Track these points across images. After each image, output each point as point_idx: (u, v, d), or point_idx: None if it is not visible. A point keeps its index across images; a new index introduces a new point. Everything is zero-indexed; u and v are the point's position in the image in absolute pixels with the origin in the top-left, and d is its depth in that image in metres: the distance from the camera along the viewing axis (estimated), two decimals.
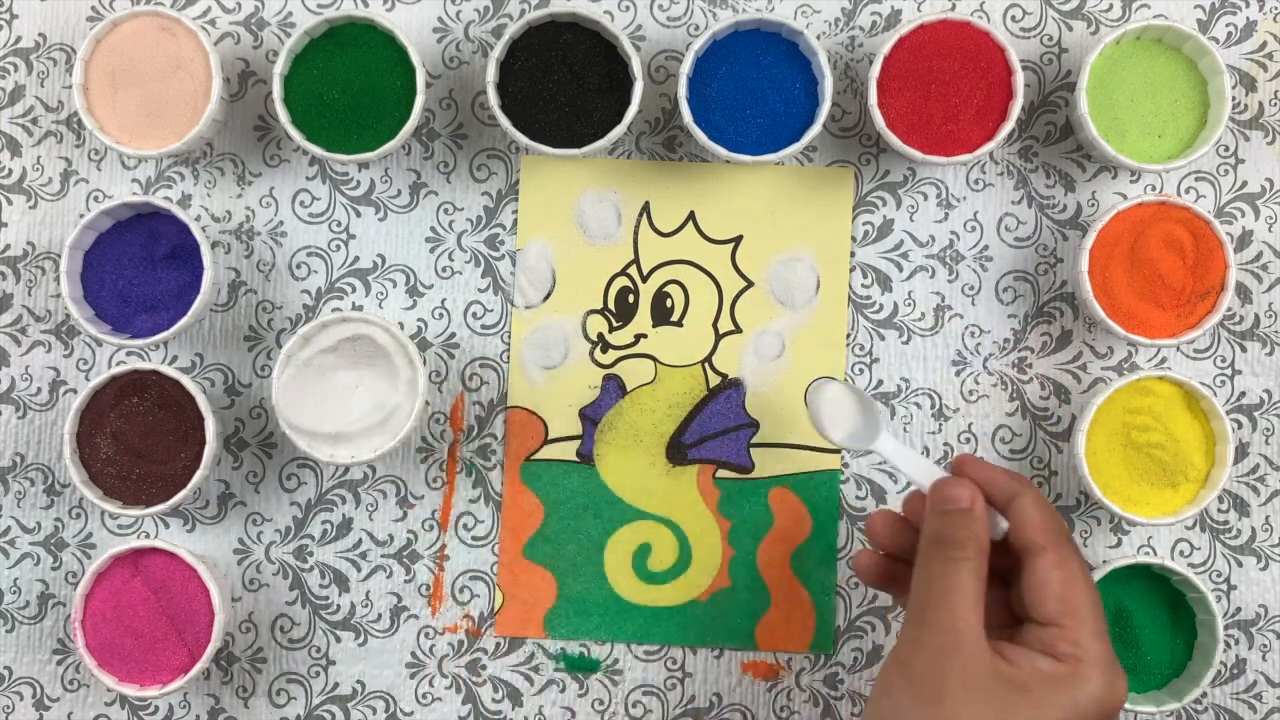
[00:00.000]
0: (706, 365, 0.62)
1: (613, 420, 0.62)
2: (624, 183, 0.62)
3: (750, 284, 0.62)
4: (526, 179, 0.61)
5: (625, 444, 0.63)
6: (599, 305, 0.62)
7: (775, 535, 0.63)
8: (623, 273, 0.62)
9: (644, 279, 0.62)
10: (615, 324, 0.62)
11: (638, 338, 0.62)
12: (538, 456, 0.62)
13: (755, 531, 0.63)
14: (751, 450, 0.63)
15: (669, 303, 0.62)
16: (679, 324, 0.62)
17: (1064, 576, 0.47)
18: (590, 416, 0.62)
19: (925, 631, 0.46)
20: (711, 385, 0.63)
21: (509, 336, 0.64)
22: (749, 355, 0.62)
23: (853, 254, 0.65)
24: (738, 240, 0.63)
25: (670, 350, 0.63)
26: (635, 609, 0.63)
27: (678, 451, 0.63)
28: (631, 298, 0.62)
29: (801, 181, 0.62)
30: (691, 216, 0.62)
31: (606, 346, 0.62)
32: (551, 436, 0.62)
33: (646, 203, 0.62)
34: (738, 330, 0.62)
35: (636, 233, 0.62)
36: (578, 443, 0.63)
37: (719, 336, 0.62)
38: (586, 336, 0.62)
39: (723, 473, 0.63)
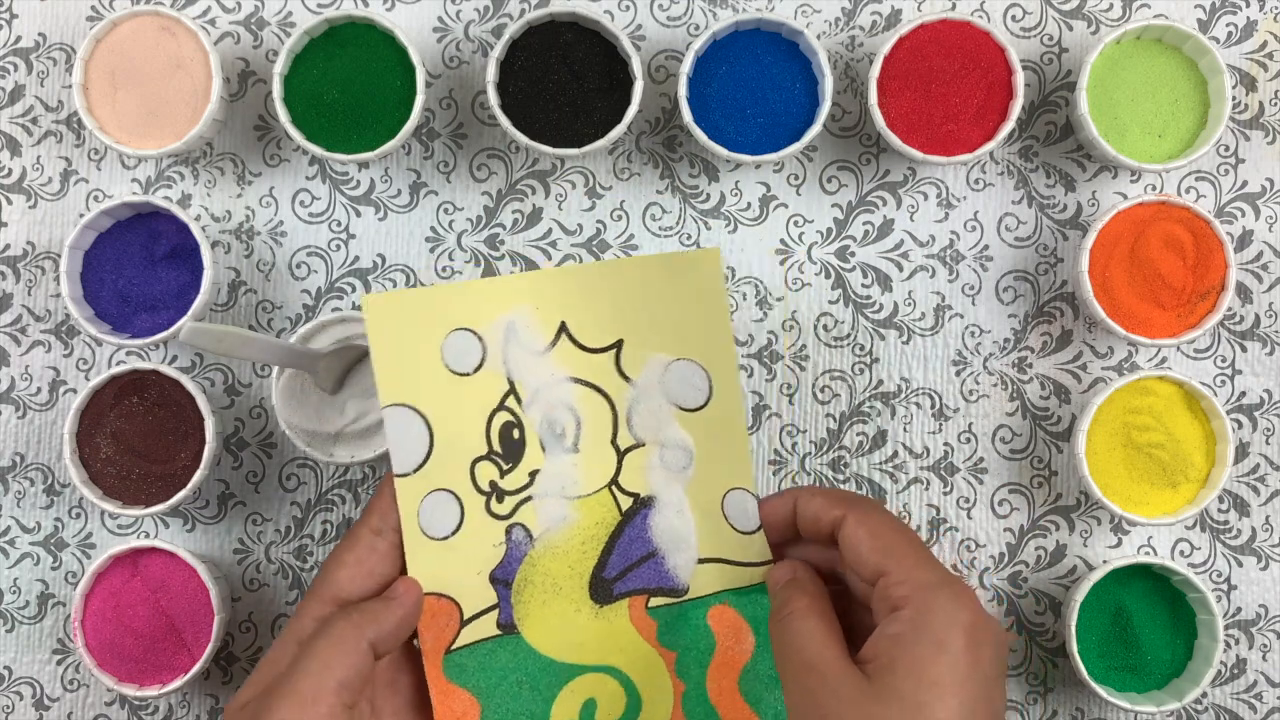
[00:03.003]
0: (614, 488, 0.54)
1: (526, 575, 0.53)
2: (482, 305, 0.53)
3: (628, 379, 0.54)
4: (375, 324, 0.50)
5: (546, 598, 0.53)
6: (484, 450, 0.52)
7: (720, 659, 0.54)
8: (500, 407, 0.53)
9: (525, 408, 0.53)
10: (505, 466, 0.53)
11: (533, 475, 0.53)
12: (458, 645, 0.52)
13: (701, 659, 0.54)
14: (681, 570, 0.55)
15: (559, 429, 0.53)
16: (575, 450, 0.54)
17: (870, 528, 0.46)
18: (502, 579, 0.53)
19: (792, 684, 0.45)
20: (624, 509, 0.54)
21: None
22: (657, 469, 0.54)
23: (853, 253, 0.65)
24: (618, 346, 0.54)
25: (572, 481, 0.54)
26: None
27: (602, 589, 0.54)
28: (516, 433, 0.53)
29: (670, 272, 0.54)
30: (563, 329, 0.54)
31: (501, 494, 0.53)
32: (467, 616, 0.52)
33: (510, 322, 0.53)
34: (639, 444, 0.54)
35: (506, 358, 0.53)
36: (496, 612, 0.53)
37: (621, 454, 0.54)
38: (478, 489, 0.52)
39: (655, 600, 0.54)
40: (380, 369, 0.50)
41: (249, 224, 0.66)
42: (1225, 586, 0.64)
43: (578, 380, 0.54)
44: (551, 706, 0.53)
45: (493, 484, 0.52)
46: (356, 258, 0.65)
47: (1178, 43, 0.62)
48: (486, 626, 0.53)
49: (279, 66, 0.61)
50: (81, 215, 0.64)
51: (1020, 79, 0.61)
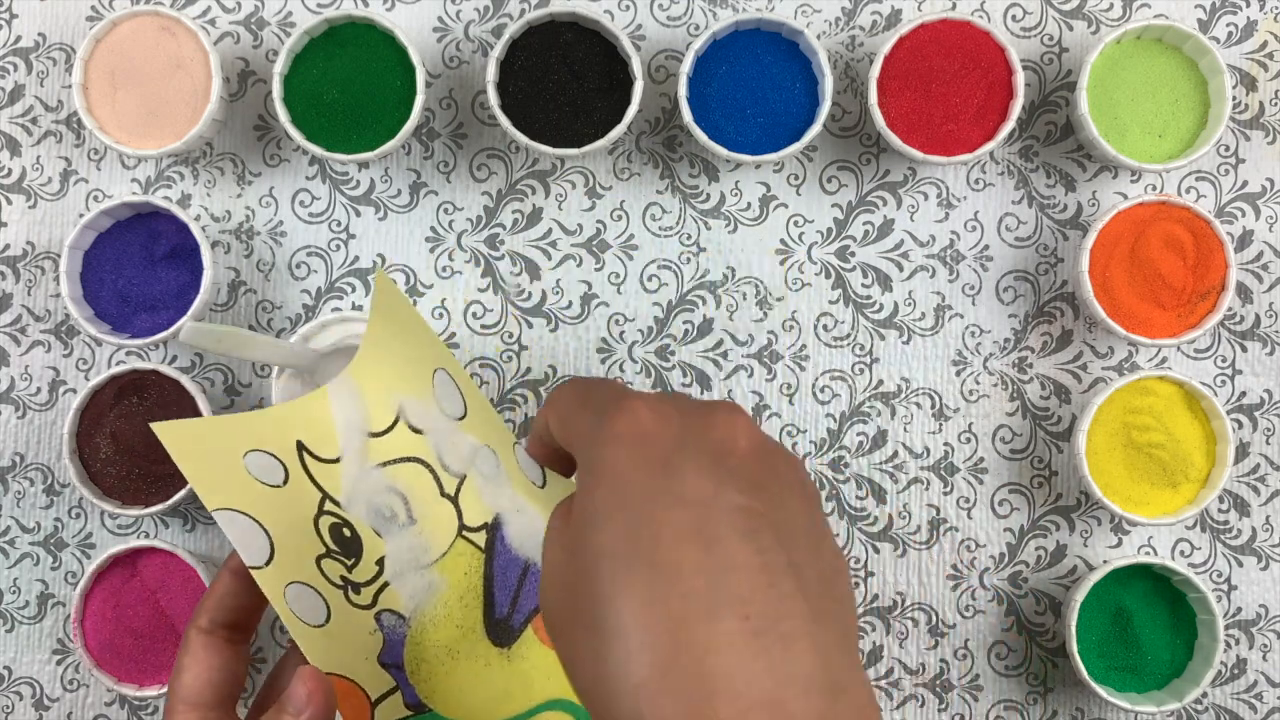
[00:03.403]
0: (464, 534, 0.52)
1: (416, 655, 0.50)
2: (266, 433, 0.49)
3: (420, 431, 0.52)
4: (177, 452, 0.46)
5: (446, 667, 0.50)
6: (322, 549, 0.49)
7: None
8: (321, 512, 0.50)
9: (346, 508, 0.50)
10: (349, 562, 0.49)
11: (380, 563, 0.50)
12: None
13: None
14: None
15: (388, 513, 0.51)
16: (412, 521, 0.51)
17: (556, 416, 0.39)
18: (392, 663, 0.50)
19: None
20: (483, 544, 0.51)
21: (509, 338, 0.64)
22: (483, 488, 0.52)
23: (853, 253, 0.65)
24: (400, 411, 0.52)
25: (423, 550, 0.51)
26: None
27: (501, 631, 0.51)
28: (347, 531, 0.50)
29: (378, 321, 0.51)
30: (350, 427, 0.51)
31: (357, 587, 0.49)
32: (375, 698, 0.49)
33: (298, 441, 0.50)
34: (462, 478, 0.51)
35: (307, 471, 0.50)
36: (399, 694, 0.50)
37: (454, 499, 0.51)
38: (332, 583, 0.49)
39: None
40: (194, 482, 0.46)
41: (249, 224, 0.66)
42: (1225, 586, 0.64)
43: (385, 463, 0.51)
44: None
45: (344, 579, 0.49)
46: (356, 258, 0.65)
47: (1178, 43, 0.62)
48: (395, 707, 0.49)
49: (279, 66, 0.61)
50: (81, 215, 0.64)
51: (1020, 79, 0.61)
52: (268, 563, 0.46)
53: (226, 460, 0.48)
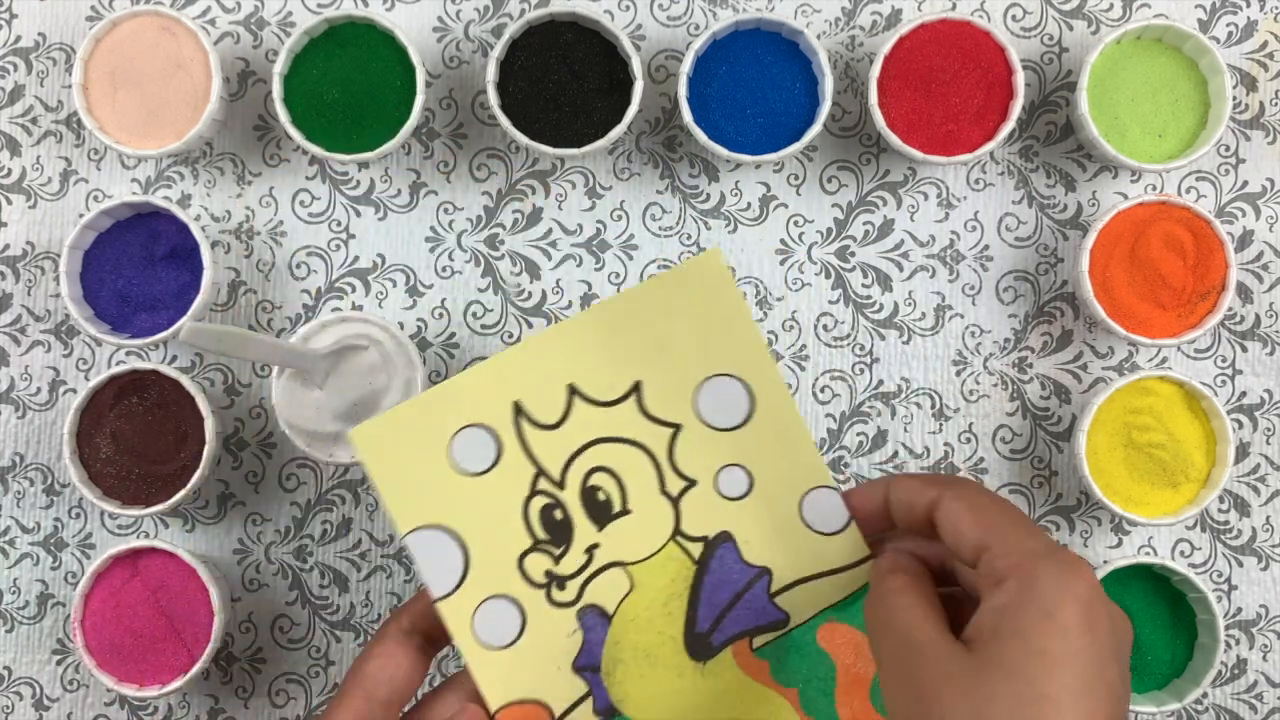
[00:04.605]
0: (679, 539, 0.51)
1: (614, 655, 0.50)
2: (479, 399, 0.49)
3: (678, 427, 0.50)
4: (370, 457, 0.47)
5: (642, 671, 0.50)
6: (528, 543, 0.49)
7: (844, 680, 0.51)
8: (534, 493, 0.49)
9: (560, 485, 0.50)
10: (557, 551, 0.49)
11: (590, 551, 0.50)
12: None
13: (824, 687, 0.50)
14: (776, 600, 0.51)
15: (601, 496, 0.50)
16: (626, 512, 0.50)
17: (967, 503, 0.41)
18: (588, 666, 0.50)
19: (887, 665, 0.41)
20: (697, 556, 0.50)
21: (509, 338, 0.64)
22: (719, 504, 0.50)
23: (853, 253, 0.65)
24: (636, 389, 0.50)
25: (632, 545, 0.50)
26: None
27: (700, 645, 0.51)
28: (559, 513, 0.50)
29: (667, 289, 0.50)
30: (573, 391, 0.50)
31: (561, 582, 0.50)
32: (559, 714, 0.49)
33: (516, 403, 0.49)
34: (692, 484, 0.50)
35: (523, 441, 0.50)
36: (590, 701, 0.50)
37: (676, 501, 0.50)
38: (534, 583, 0.49)
39: (759, 639, 0.51)
40: (389, 497, 0.46)
41: (249, 224, 0.66)
42: (1226, 587, 0.64)
43: (606, 440, 0.50)
44: None
45: (549, 573, 0.49)
46: (356, 258, 0.65)
47: (1178, 43, 0.62)
48: (584, 718, 0.49)
49: (279, 66, 0.61)
50: (81, 215, 0.64)
51: (1020, 79, 0.61)
52: (458, 586, 0.47)
53: (429, 454, 0.48)
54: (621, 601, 0.50)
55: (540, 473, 0.49)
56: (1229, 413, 0.64)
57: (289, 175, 0.66)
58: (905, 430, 0.65)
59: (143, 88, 0.62)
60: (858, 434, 0.64)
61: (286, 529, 0.65)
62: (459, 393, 0.48)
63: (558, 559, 0.49)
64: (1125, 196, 0.65)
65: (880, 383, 0.65)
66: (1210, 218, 0.61)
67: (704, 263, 0.49)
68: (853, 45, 0.65)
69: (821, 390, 0.65)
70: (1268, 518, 0.64)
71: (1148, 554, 0.64)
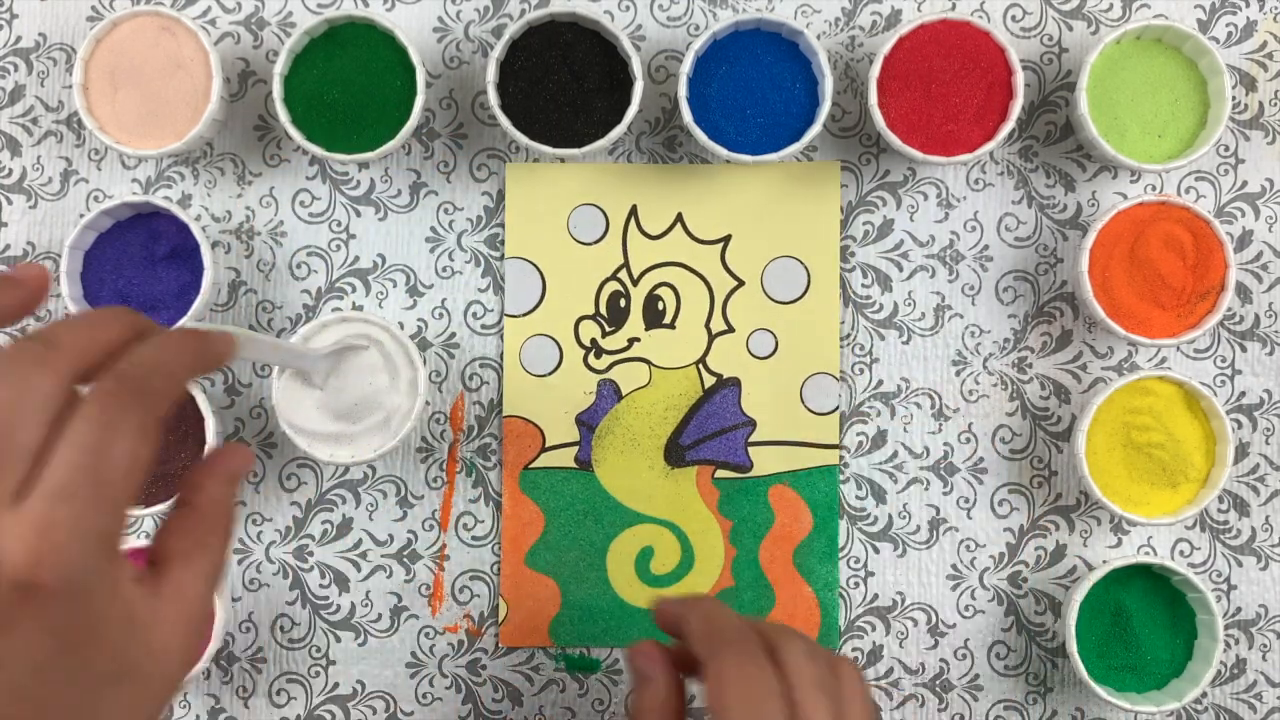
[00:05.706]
0: (701, 366, 0.63)
1: (609, 425, 0.62)
2: (611, 187, 0.62)
3: (741, 283, 0.62)
4: (512, 188, 0.61)
5: (623, 448, 0.63)
6: (590, 311, 0.62)
7: (777, 533, 0.63)
8: (613, 277, 0.62)
9: (634, 283, 0.62)
10: (608, 329, 0.62)
11: (631, 341, 0.62)
12: (536, 465, 0.63)
13: (756, 530, 0.63)
14: (749, 449, 0.63)
15: (660, 305, 0.62)
16: (671, 326, 0.62)
17: (718, 683, 0.44)
18: (587, 422, 0.63)
19: None
20: (707, 386, 0.63)
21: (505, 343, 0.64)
22: (743, 354, 0.62)
23: (853, 253, 0.65)
24: (726, 240, 0.63)
25: (664, 353, 0.63)
26: (640, 612, 0.63)
27: (676, 454, 0.63)
28: (623, 302, 0.62)
29: (788, 178, 0.63)
30: (679, 218, 0.62)
31: (600, 352, 0.62)
32: (549, 444, 0.62)
33: (634, 206, 0.62)
34: (730, 330, 0.62)
35: (625, 237, 0.62)
36: (575, 449, 0.63)
37: (712, 337, 0.62)
38: (579, 343, 0.62)
39: (721, 473, 0.63)
40: (511, 225, 0.62)
41: (249, 224, 0.66)
42: (1225, 586, 0.64)
43: (684, 266, 0.62)
44: (610, 543, 0.62)
45: (594, 341, 0.62)
46: (356, 258, 0.65)
47: (1178, 43, 0.62)
48: (564, 457, 0.62)
49: (279, 66, 0.61)
50: (81, 215, 0.64)
51: (1020, 79, 0.61)
52: (529, 312, 0.62)
53: (555, 208, 0.62)
54: (635, 390, 0.63)
55: (624, 265, 0.62)
56: (1228, 413, 0.64)
57: (289, 175, 0.66)
58: (905, 430, 0.65)
59: (143, 88, 0.62)
60: (858, 434, 0.64)
61: (286, 529, 0.65)
62: (597, 175, 0.62)
63: (605, 334, 0.62)
64: (1125, 197, 0.65)
65: (880, 383, 0.65)
66: (1210, 218, 0.61)
67: (822, 170, 0.63)
68: (852, 45, 0.65)
69: None
70: (1267, 518, 0.64)
71: (1147, 554, 0.64)
